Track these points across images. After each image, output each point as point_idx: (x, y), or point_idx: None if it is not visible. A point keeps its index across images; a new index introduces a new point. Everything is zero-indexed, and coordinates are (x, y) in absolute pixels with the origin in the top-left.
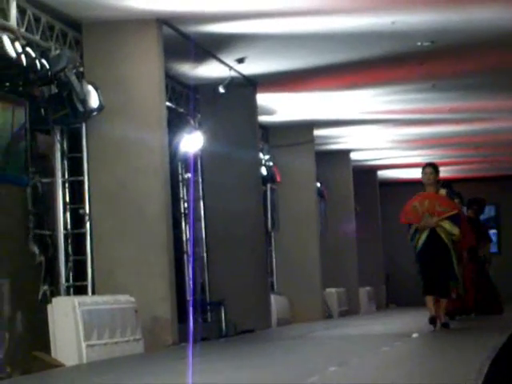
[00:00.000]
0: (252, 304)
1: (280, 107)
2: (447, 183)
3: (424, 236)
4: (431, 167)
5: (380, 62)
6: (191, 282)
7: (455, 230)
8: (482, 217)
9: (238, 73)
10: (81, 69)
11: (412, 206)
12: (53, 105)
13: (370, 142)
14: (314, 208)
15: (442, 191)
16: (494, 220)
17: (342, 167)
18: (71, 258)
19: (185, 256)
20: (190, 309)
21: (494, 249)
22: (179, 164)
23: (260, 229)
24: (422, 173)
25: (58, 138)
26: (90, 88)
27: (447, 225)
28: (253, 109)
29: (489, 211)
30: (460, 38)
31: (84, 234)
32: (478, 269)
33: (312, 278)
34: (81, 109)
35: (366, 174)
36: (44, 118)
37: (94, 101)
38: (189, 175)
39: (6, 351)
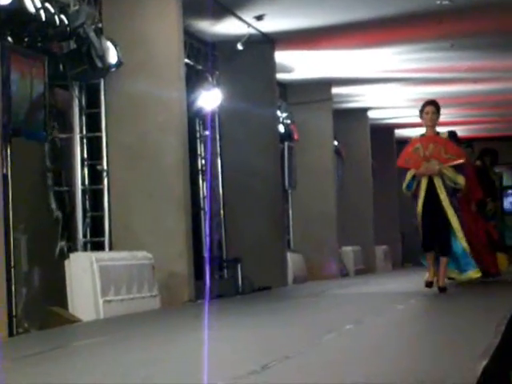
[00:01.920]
0: (268, 261)
1: (298, 65)
2: (452, 132)
3: (424, 185)
4: (433, 105)
5: (398, 20)
6: (208, 239)
7: (459, 179)
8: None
9: (257, 30)
10: (99, 25)
11: (414, 148)
12: (71, 60)
13: (388, 100)
14: (331, 166)
15: (444, 133)
16: (510, 180)
17: (359, 125)
18: (88, 214)
19: (202, 212)
20: (207, 265)
21: (510, 207)
22: (197, 121)
23: (277, 186)
24: (423, 112)
25: (77, 93)
26: (109, 44)
27: (450, 172)
28: (271, 66)
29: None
30: None
31: (101, 190)
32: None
33: (329, 236)
34: (99, 65)
35: (383, 132)
36: (62, 74)
37: (112, 57)
38: (206, 132)
39: (23, 307)
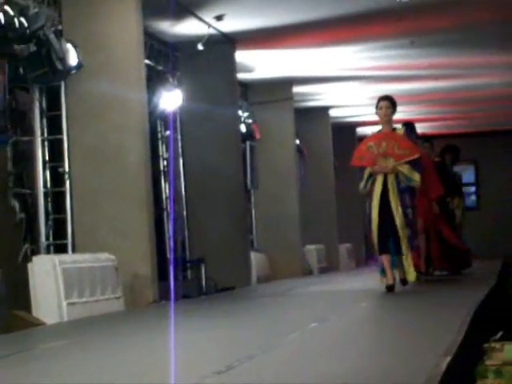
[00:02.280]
0: (232, 261)
1: (259, 64)
2: (410, 124)
3: (379, 184)
4: (387, 100)
5: (358, 18)
6: (171, 240)
7: (415, 176)
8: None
9: (217, 30)
10: (59, 27)
11: (367, 146)
12: (31, 63)
13: (349, 98)
14: (293, 165)
15: (400, 130)
16: (472, 176)
17: (321, 124)
18: (51, 217)
19: (165, 213)
20: (171, 266)
21: (471, 204)
22: (158, 121)
23: (239, 186)
24: (377, 108)
25: (37, 96)
26: (69, 46)
27: (405, 169)
28: (232, 66)
29: (467, 168)
30: None
31: (64, 193)
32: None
33: (291, 235)
34: (60, 67)
35: (345, 130)
36: (23, 76)
37: (72, 59)
38: (168, 133)
39: None
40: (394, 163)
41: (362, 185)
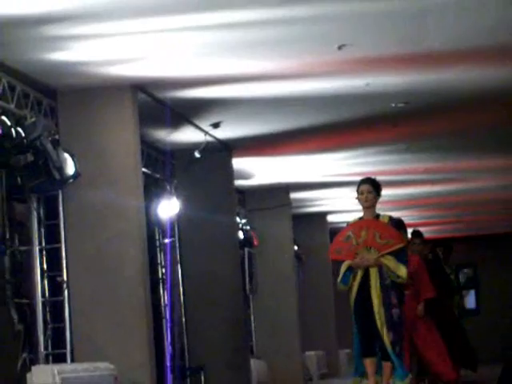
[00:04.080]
0: (231, 368)
1: (256, 171)
2: (398, 220)
3: (359, 278)
4: (368, 184)
5: (354, 124)
6: (170, 348)
7: (401, 270)
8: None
9: (214, 137)
10: (56, 136)
11: (345, 236)
12: (29, 173)
13: (347, 204)
14: (292, 271)
15: (384, 217)
16: (472, 280)
17: (319, 230)
18: (50, 326)
19: (163, 321)
20: (169, 375)
21: (471, 305)
22: (156, 229)
23: (238, 293)
24: (358, 192)
25: (35, 205)
26: (66, 155)
27: (391, 263)
28: (229, 173)
29: (467, 271)
30: (433, 98)
31: (62, 302)
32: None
33: (291, 342)
34: (57, 176)
35: None
36: (20, 187)
37: (70, 168)
38: (166, 240)
39: None
40: (376, 254)
41: (340, 280)
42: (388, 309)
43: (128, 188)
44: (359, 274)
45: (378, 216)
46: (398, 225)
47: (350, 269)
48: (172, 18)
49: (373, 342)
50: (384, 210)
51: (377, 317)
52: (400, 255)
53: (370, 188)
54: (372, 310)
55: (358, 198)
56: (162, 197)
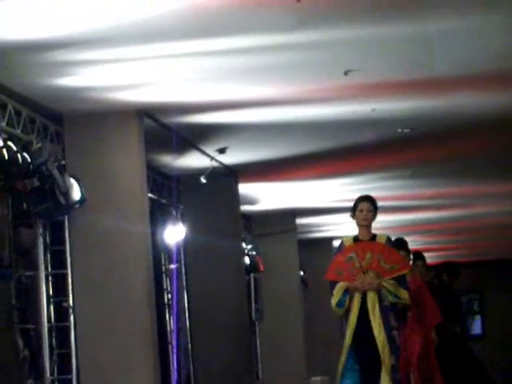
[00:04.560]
0: None
1: (262, 196)
2: (401, 240)
3: (357, 302)
4: (369, 202)
5: (360, 149)
6: (175, 373)
7: (403, 293)
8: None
9: (220, 163)
10: (62, 161)
11: (347, 257)
12: (35, 198)
13: (352, 229)
14: (298, 297)
15: (381, 237)
16: (478, 305)
17: (325, 255)
18: (55, 352)
19: (169, 347)
20: None
21: (477, 331)
22: (162, 255)
23: (244, 318)
24: (356, 210)
25: (41, 231)
26: (72, 181)
27: (390, 286)
28: (235, 198)
29: (473, 296)
30: (439, 124)
31: (68, 327)
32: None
33: (296, 367)
34: (63, 202)
35: None
36: (26, 212)
37: (76, 193)
38: (172, 266)
39: None
40: (378, 279)
41: (334, 302)
42: (389, 331)
43: (134, 213)
44: (357, 297)
45: (374, 236)
46: (397, 245)
47: (345, 292)
48: (178, 43)
49: (373, 371)
50: (391, 236)
51: (378, 340)
52: (401, 281)
53: (370, 207)
54: (372, 334)
55: (354, 215)
56: (167, 222)
